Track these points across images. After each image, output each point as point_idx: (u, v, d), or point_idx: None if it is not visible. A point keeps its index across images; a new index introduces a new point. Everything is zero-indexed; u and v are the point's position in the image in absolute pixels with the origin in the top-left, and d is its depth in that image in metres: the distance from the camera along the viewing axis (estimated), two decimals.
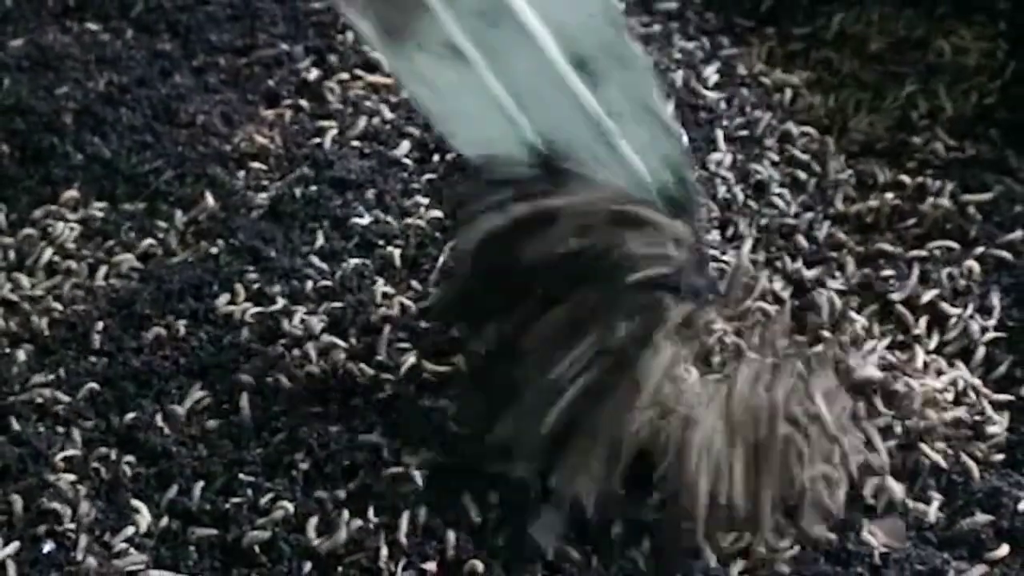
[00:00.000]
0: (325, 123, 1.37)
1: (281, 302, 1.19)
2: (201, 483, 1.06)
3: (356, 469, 1.06)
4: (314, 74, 1.42)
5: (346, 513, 1.03)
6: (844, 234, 1.26)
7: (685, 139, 1.11)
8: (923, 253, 1.23)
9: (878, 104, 1.40)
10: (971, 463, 1.07)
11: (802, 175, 1.32)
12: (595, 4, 1.05)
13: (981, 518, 1.03)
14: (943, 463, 1.07)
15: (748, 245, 1.23)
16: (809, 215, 1.28)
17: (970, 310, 1.18)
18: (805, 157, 1.33)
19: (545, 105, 1.05)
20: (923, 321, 1.17)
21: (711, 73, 1.42)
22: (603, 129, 1.06)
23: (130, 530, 1.03)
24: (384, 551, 1.01)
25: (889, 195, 1.29)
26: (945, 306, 1.18)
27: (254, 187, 1.31)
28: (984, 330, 1.17)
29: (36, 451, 1.08)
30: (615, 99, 1.06)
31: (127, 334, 1.18)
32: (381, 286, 1.20)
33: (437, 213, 1.27)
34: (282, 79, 1.42)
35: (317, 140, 1.35)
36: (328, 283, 1.21)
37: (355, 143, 1.35)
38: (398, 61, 1.07)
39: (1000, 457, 1.08)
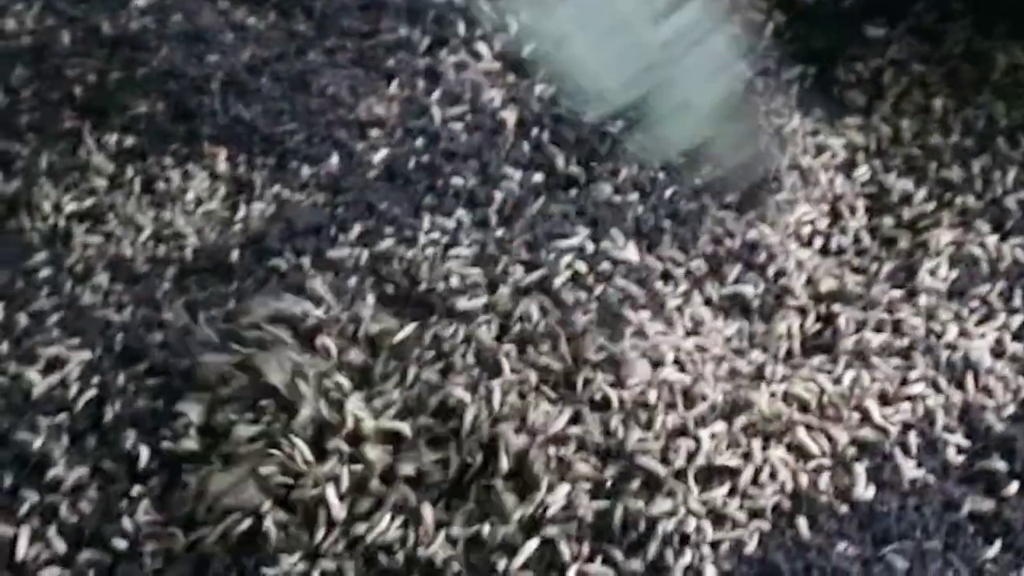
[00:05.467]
0: (437, 100, 1.53)
1: (389, 242, 1.36)
2: None
3: None
4: (430, 58, 1.59)
5: None
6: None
7: None
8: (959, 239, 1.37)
9: (937, 115, 1.54)
10: (991, 413, 1.20)
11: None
12: None
13: (998, 462, 1.16)
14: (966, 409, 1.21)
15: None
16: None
17: (1000, 287, 1.32)
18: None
19: None
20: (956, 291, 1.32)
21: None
22: None
23: None
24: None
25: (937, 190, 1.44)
26: (978, 281, 1.33)
27: (372, 151, 1.48)
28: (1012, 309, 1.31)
29: (178, 353, 1.27)
30: None
31: (258, 264, 1.36)
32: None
33: (535, 177, 1.43)
34: (402, 60, 1.58)
35: (429, 114, 1.52)
36: (432, 235, 1.38)
37: (464, 119, 1.51)
38: None
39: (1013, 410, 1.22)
